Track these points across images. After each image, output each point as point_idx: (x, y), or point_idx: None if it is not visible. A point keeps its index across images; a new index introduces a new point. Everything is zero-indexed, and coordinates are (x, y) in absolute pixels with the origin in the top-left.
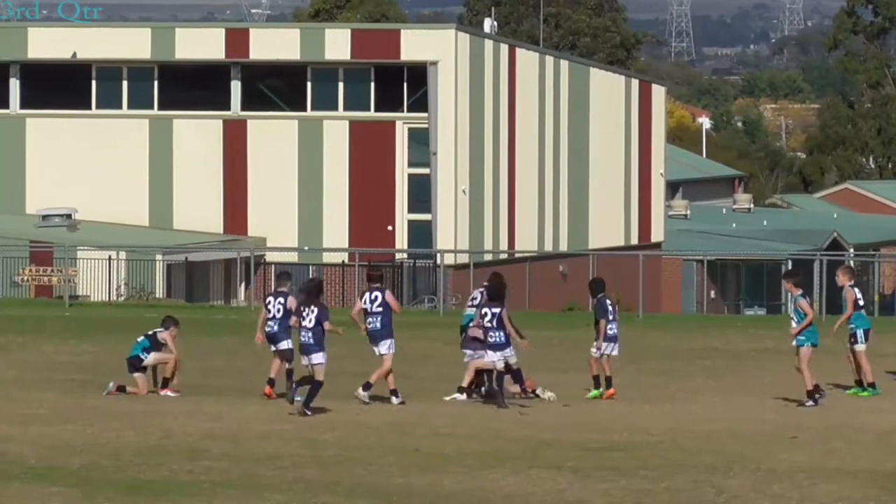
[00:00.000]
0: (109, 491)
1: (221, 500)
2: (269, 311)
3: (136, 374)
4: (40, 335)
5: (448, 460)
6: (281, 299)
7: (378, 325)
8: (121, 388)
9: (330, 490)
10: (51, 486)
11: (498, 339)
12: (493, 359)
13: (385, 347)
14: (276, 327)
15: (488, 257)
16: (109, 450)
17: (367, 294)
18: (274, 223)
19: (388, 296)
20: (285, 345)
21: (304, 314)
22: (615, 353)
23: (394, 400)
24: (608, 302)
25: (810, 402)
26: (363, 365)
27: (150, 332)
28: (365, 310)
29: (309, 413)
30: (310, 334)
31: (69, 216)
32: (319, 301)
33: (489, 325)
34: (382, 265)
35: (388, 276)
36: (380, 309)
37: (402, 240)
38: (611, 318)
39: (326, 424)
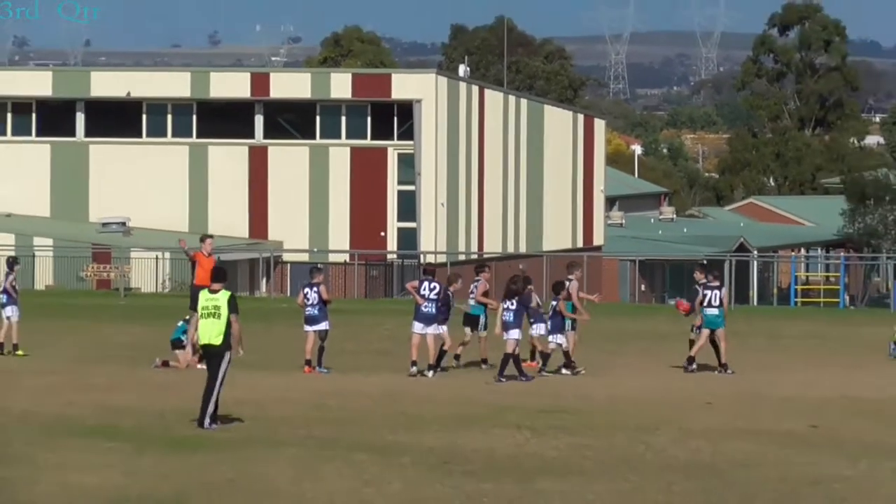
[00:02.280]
0: (156, 446)
1: (247, 453)
2: (308, 299)
3: (178, 351)
4: (100, 320)
5: (428, 421)
6: (315, 289)
7: (433, 310)
8: (165, 363)
9: (334, 445)
10: (107, 442)
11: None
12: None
13: (433, 328)
14: (315, 311)
15: (462, 257)
16: (155, 413)
17: (426, 282)
18: (289, 229)
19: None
20: (324, 325)
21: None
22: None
23: (429, 373)
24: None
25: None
26: (358, 344)
27: (187, 318)
28: (423, 295)
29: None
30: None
31: (124, 223)
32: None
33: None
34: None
35: (381, 273)
36: (435, 297)
37: (392, 243)
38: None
39: (331, 392)
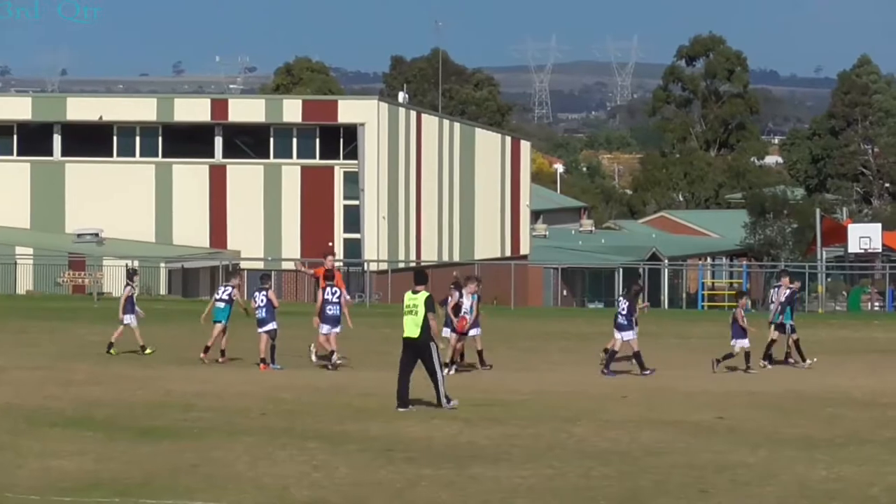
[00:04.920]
0: (126, 434)
1: (209, 441)
2: (256, 302)
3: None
4: (76, 322)
5: (373, 413)
6: (264, 293)
7: (337, 311)
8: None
9: (287, 434)
10: (84, 431)
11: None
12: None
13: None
14: (263, 314)
15: (402, 265)
16: (126, 405)
17: (328, 288)
18: (246, 240)
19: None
20: (271, 326)
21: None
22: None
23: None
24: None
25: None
26: (308, 342)
27: None
28: (327, 299)
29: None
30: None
31: (97, 234)
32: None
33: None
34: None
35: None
36: (337, 300)
37: (339, 252)
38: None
39: (285, 386)
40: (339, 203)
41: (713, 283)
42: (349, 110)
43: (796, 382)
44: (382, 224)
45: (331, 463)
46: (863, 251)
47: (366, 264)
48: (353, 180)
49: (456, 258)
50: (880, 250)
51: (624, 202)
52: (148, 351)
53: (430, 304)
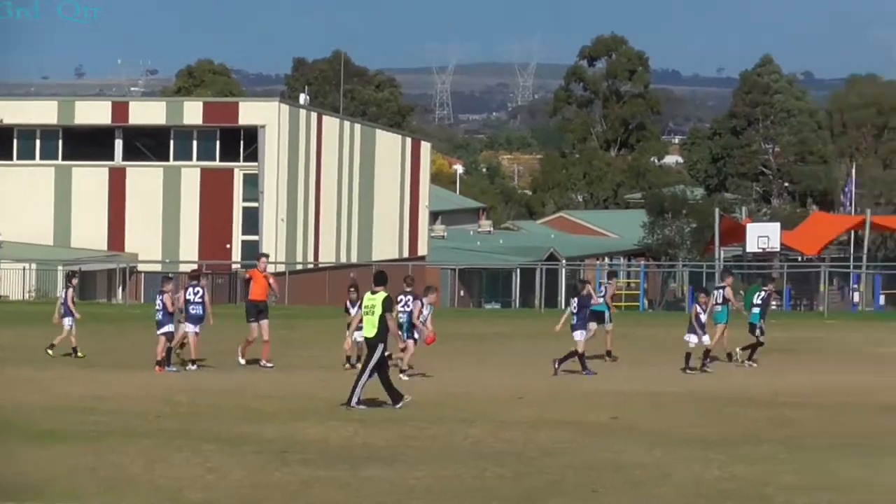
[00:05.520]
0: (21, 438)
1: (106, 444)
2: (156, 305)
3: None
4: None
5: (269, 415)
6: (160, 297)
7: (200, 311)
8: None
9: (183, 436)
10: None
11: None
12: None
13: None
14: (160, 316)
15: (299, 267)
16: (24, 408)
17: (190, 288)
18: (144, 242)
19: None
20: (168, 329)
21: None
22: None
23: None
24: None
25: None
26: (206, 345)
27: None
28: (189, 299)
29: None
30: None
31: None
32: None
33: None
34: (224, 273)
35: (226, 281)
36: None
37: (237, 254)
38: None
39: (181, 389)
40: (239, 205)
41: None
42: (250, 112)
43: (694, 382)
44: (281, 226)
45: (226, 465)
46: (761, 250)
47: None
48: (252, 182)
49: (354, 259)
50: (778, 249)
51: (523, 203)
52: (80, 354)
53: (387, 305)
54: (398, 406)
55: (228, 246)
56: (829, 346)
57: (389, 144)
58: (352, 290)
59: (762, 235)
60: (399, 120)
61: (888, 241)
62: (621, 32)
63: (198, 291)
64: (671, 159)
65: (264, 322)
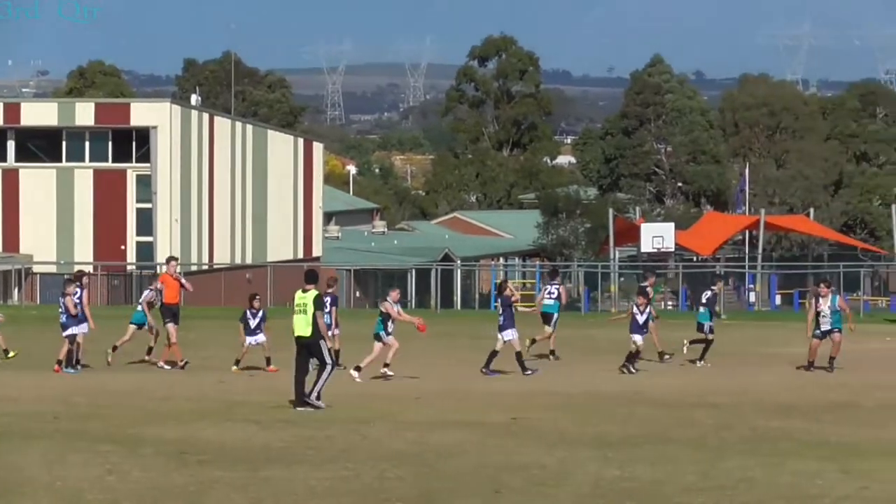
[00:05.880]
0: None
1: (2, 445)
2: (60, 307)
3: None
4: None
5: (167, 416)
6: (62, 299)
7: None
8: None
9: (81, 437)
10: None
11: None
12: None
13: (387, 338)
14: (64, 318)
15: (194, 268)
16: None
17: (78, 290)
18: (39, 243)
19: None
20: (71, 331)
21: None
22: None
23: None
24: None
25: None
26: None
27: None
28: (75, 303)
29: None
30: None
31: None
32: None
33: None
34: (119, 274)
35: (121, 282)
36: (78, 301)
37: (132, 255)
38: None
39: (80, 390)
40: (132, 206)
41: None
42: (142, 113)
43: (594, 382)
44: (175, 227)
45: (125, 466)
46: (656, 250)
47: (158, 267)
48: (145, 183)
49: (248, 260)
50: (673, 249)
51: (417, 203)
52: (11, 354)
53: (318, 303)
54: (298, 409)
55: (123, 247)
56: (726, 346)
57: (282, 145)
58: (256, 299)
59: (657, 235)
60: (291, 120)
61: (783, 240)
62: (511, 33)
63: (75, 292)
64: (564, 159)
65: (172, 326)
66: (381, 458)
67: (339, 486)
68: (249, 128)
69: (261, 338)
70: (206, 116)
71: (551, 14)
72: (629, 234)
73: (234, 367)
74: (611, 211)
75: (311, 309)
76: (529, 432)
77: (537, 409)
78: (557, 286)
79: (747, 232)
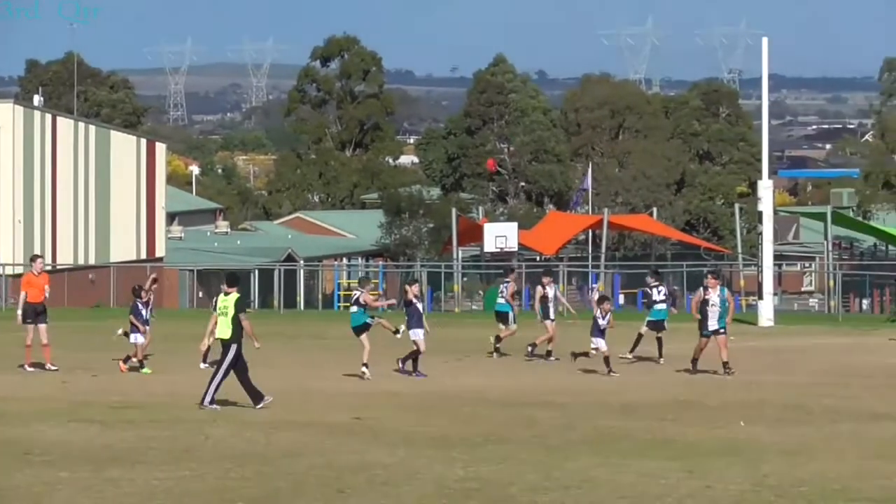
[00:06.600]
0: None
1: None
2: None
3: None
4: None
5: (10, 416)
6: None
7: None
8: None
9: None
10: None
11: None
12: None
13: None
14: None
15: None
16: None
17: None
18: None
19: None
20: None
21: None
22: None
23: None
24: None
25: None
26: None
27: None
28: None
29: None
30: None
31: None
32: None
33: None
34: None
35: None
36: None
37: None
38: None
39: None
40: None
41: (349, 283)
42: None
43: (436, 383)
44: (18, 227)
45: None
46: (499, 250)
47: (1, 268)
48: None
49: (92, 261)
50: (516, 249)
51: (260, 204)
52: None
53: (240, 305)
54: (258, 406)
55: None
56: (570, 346)
57: (125, 146)
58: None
59: (500, 235)
60: (134, 121)
61: (626, 240)
62: (354, 32)
63: None
64: (407, 159)
65: (42, 326)
66: (225, 458)
67: (182, 486)
68: (92, 128)
69: (140, 339)
70: (48, 117)
71: (394, 14)
72: (472, 234)
73: (131, 368)
74: (454, 210)
75: (231, 311)
76: (373, 432)
77: (381, 409)
78: (508, 284)
79: (590, 231)
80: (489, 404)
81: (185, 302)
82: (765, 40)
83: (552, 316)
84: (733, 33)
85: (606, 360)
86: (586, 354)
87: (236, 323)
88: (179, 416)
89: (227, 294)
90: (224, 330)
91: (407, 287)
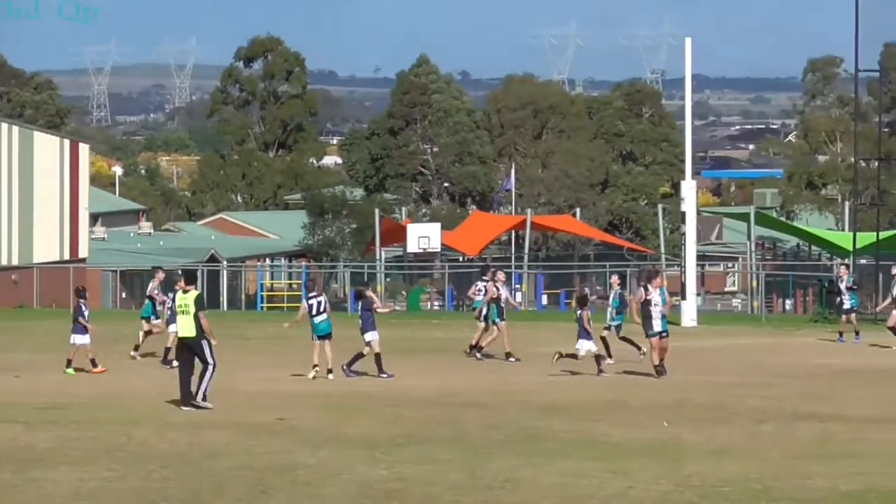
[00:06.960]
0: None
1: None
2: None
3: None
4: None
5: None
6: None
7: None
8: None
9: None
10: None
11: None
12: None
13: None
14: None
15: None
16: None
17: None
18: None
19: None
20: None
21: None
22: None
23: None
24: None
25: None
26: None
27: None
28: None
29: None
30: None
31: None
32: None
33: None
34: None
35: None
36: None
37: None
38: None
39: None
40: None
41: (272, 284)
42: None
43: (359, 384)
44: None
45: None
46: (422, 251)
47: None
48: None
49: (15, 262)
50: (439, 250)
51: (183, 204)
52: None
53: (200, 303)
54: (184, 408)
55: None
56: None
57: (48, 146)
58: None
59: (423, 236)
60: (57, 122)
61: (549, 240)
62: (278, 33)
63: None
64: (330, 160)
65: None
66: (148, 459)
67: (104, 486)
68: (15, 129)
69: (86, 339)
70: None
71: (317, 14)
72: (395, 235)
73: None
74: (377, 211)
75: (192, 309)
76: (296, 432)
77: (303, 410)
78: (485, 283)
79: (514, 232)
80: (413, 404)
81: (108, 302)
82: (688, 41)
83: (504, 316)
84: (657, 34)
85: (597, 359)
86: (574, 356)
87: (199, 320)
88: (102, 417)
89: (185, 292)
90: (189, 328)
91: (367, 289)
